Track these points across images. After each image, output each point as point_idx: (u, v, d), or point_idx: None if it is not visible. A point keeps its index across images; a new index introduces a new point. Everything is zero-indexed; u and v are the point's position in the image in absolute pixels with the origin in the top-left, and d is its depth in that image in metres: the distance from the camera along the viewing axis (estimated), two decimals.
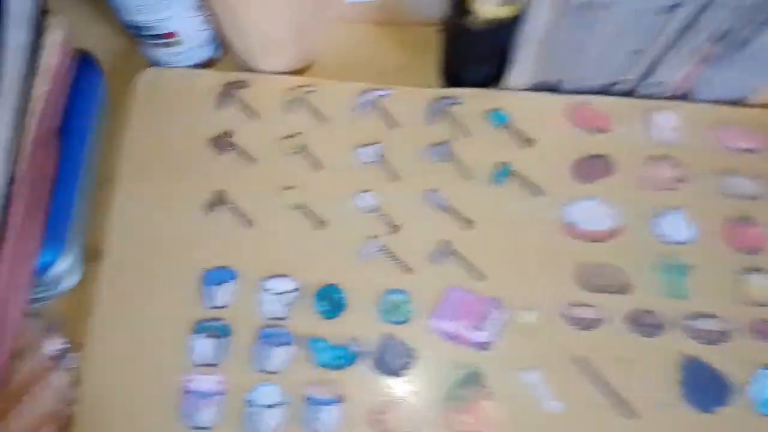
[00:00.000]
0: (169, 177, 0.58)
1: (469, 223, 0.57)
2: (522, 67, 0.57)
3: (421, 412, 0.52)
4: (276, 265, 0.55)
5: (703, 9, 0.47)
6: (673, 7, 0.48)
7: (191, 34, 0.57)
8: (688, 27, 0.51)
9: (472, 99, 0.60)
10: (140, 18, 0.53)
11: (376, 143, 0.59)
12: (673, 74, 0.58)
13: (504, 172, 0.58)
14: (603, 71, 0.57)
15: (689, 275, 0.56)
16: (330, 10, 0.63)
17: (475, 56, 0.57)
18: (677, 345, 0.54)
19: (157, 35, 0.55)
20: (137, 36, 0.56)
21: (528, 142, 0.59)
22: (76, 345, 0.55)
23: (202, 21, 0.57)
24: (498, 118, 0.60)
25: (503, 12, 0.51)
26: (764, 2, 0.47)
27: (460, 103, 0.60)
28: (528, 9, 0.51)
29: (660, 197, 0.58)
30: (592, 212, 0.57)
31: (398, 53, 0.65)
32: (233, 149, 0.58)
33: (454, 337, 0.54)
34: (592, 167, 0.59)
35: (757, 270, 0.55)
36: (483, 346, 0.54)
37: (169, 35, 0.55)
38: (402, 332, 0.54)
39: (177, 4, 0.53)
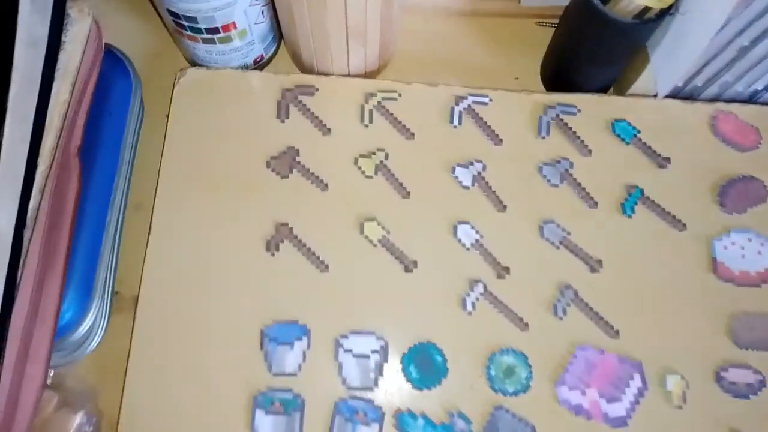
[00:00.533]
0: (220, 206, 0.46)
1: (595, 263, 0.46)
2: (663, 70, 0.46)
3: None
4: (357, 319, 0.44)
5: None
6: None
7: (250, 27, 0.45)
8: None
9: (592, 107, 0.49)
10: (195, 5, 0.41)
11: (476, 162, 0.48)
12: None
13: (634, 199, 0.47)
14: (761, 74, 0.46)
15: None
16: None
17: (605, 54, 0.45)
18: None
19: (211, 28, 0.43)
20: (183, 29, 0.44)
21: (662, 161, 0.48)
22: (106, 421, 0.43)
23: (261, 10, 0.45)
24: (624, 132, 0.48)
25: (662, 2, 0.40)
26: None
27: (575, 113, 0.49)
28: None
29: None
30: (745, 249, 0.47)
31: (489, 51, 0.54)
32: (299, 171, 0.47)
33: (585, 411, 0.43)
34: (742, 192, 0.48)
35: None
36: (621, 421, 0.43)
37: (228, 27, 0.43)
38: (519, 405, 0.43)
39: None
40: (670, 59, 0.45)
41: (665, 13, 0.41)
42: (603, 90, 0.51)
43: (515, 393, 0.43)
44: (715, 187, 0.48)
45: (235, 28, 0.44)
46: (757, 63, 0.45)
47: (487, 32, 0.54)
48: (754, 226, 0.47)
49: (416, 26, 0.54)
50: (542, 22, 0.53)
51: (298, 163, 0.47)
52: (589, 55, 0.46)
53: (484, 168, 0.48)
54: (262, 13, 0.46)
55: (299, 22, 0.45)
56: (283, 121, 0.48)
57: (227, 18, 0.42)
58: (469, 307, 0.45)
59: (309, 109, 0.48)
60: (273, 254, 0.45)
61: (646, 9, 0.40)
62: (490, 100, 0.49)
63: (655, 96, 0.49)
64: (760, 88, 0.48)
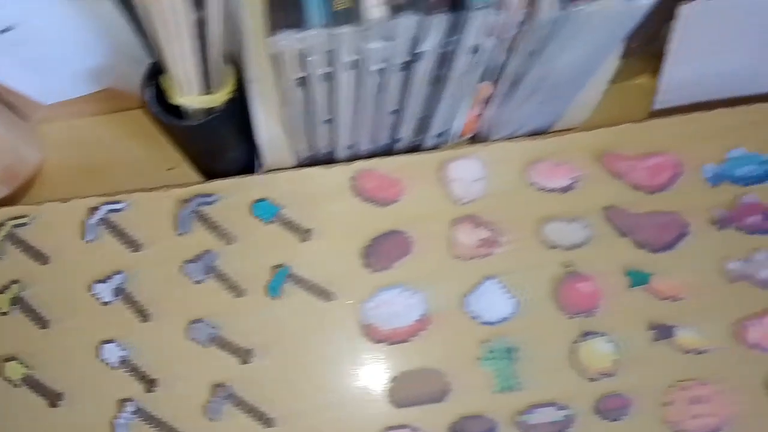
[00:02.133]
0: None
1: (247, 354, 0.46)
2: (273, 148, 0.46)
3: None
4: None
5: (449, 56, 0.37)
6: (409, 63, 0.37)
7: None
8: (439, 77, 0.40)
9: (232, 192, 0.48)
10: None
11: (116, 275, 0.46)
12: (454, 122, 0.48)
13: (280, 279, 0.47)
14: (368, 135, 0.47)
15: (517, 359, 0.46)
16: (33, 113, 0.49)
17: (206, 149, 0.45)
18: None
19: None
20: None
21: (305, 233, 0.48)
22: None
23: None
24: (265, 211, 0.48)
25: (212, 100, 0.40)
26: (528, 34, 0.37)
27: (215, 201, 0.48)
28: (247, 92, 0.39)
29: (470, 268, 0.48)
30: (393, 305, 0.47)
31: (139, 144, 0.52)
32: None
33: None
34: (387, 248, 0.48)
35: (593, 333, 0.47)
36: None
37: None
38: None
39: None
40: (266, 140, 0.44)
41: (233, 103, 0.41)
42: (250, 169, 0.50)
43: None
44: (360, 248, 0.48)
45: None
46: (353, 127, 0.45)
47: (133, 125, 0.53)
48: (401, 280, 0.48)
49: (60, 135, 0.52)
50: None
51: None
52: (194, 149, 0.45)
53: (125, 279, 0.47)
54: None
55: None
56: None
57: None
58: (122, 430, 0.44)
59: None
60: None
61: (203, 110, 0.40)
62: (127, 205, 0.48)
63: (289, 169, 0.49)
64: (387, 142, 0.49)
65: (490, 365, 0.46)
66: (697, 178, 0.50)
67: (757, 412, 0.46)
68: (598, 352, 0.47)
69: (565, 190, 0.50)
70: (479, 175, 0.50)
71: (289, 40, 0.32)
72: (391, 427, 0.45)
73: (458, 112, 0.46)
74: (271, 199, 0.48)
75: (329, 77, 0.36)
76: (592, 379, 0.46)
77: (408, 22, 0.32)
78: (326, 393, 0.45)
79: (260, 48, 0.38)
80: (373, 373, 0.46)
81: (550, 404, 0.46)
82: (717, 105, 0.52)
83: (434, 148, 0.51)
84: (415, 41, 0.34)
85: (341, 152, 0.49)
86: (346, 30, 0.32)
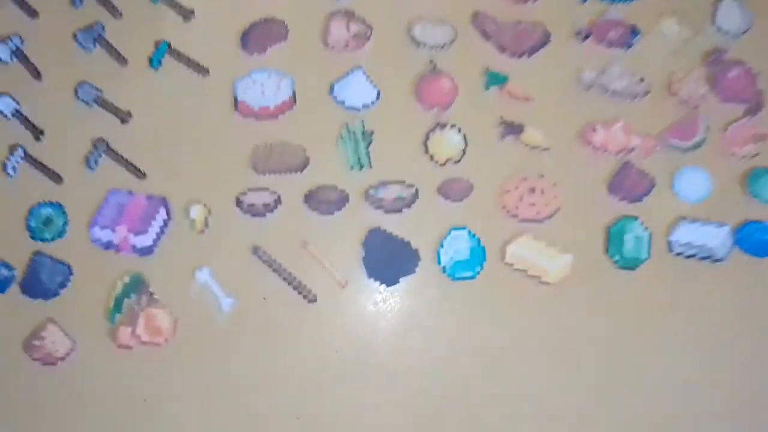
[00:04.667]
0: None
1: (126, 116, 0.50)
2: None
3: (83, 331, 0.47)
4: None
5: None
6: None
7: None
8: None
9: None
10: None
11: (11, 37, 0.50)
12: None
13: (161, 53, 0.51)
14: None
15: (374, 141, 0.50)
16: None
17: None
18: (360, 219, 0.49)
19: None
20: None
21: (188, 14, 0.51)
22: None
23: None
24: None
25: None
26: None
27: None
28: None
29: (341, 59, 0.51)
30: (264, 85, 0.51)
31: None
32: None
33: (115, 246, 0.49)
34: (264, 34, 0.51)
35: (444, 126, 0.50)
36: (147, 250, 0.49)
37: None
38: (56, 249, 0.48)
39: None
40: None
41: None
42: None
43: (52, 239, 0.48)
44: (238, 31, 0.52)
45: None
46: None
47: None
48: (274, 64, 0.51)
49: None
50: None
51: None
52: None
53: (21, 42, 0.51)
54: None
55: None
56: None
57: None
58: (9, 172, 0.49)
59: None
60: None
61: None
62: None
63: None
64: None
65: (347, 145, 0.50)
66: None
67: (598, 203, 0.50)
68: (448, 141, 0.51)
69: None
70: None
71: None
72: (252, 189, 0.50)
73: None
74: None
75: None
76: (439, 164, 0.50)
77: None
78: (194, 156, 0.50)
79: None
80: (237, 142, 0.50)
81: (398, 183, 0.50)
82: None
83: None
84: None
85: None
86: None
